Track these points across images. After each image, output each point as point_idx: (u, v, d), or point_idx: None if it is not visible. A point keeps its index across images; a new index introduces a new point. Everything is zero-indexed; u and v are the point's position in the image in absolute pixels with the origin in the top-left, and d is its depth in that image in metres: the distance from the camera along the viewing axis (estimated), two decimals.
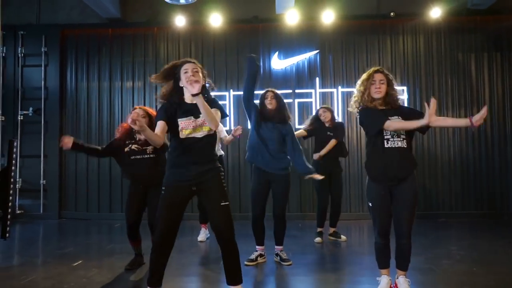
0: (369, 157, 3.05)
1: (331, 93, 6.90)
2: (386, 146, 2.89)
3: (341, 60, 6.96)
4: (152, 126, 3.71)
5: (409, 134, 2.95)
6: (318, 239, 5.00)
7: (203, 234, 5.13)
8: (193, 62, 2.80)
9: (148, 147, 3.75)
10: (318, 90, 6.89)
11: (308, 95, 6.91)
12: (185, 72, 2.72)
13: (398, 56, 6.94)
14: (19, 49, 7.24)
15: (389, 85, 3.00)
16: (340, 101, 6.85)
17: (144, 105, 7.06)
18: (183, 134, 2.74)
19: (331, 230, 5.17)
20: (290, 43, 6.96)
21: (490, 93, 6.85)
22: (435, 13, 6.64)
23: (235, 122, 6.85)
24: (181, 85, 2.78)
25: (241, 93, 5.90)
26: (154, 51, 7.18)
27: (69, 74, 7.29)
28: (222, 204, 2.73)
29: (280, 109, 4.10)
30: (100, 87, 7.22)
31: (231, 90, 7.00)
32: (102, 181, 7.11)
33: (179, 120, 2.75)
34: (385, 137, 2.89)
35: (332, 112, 5.15)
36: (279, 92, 6.62)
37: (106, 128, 7.16)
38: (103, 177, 7.11)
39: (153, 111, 3.90)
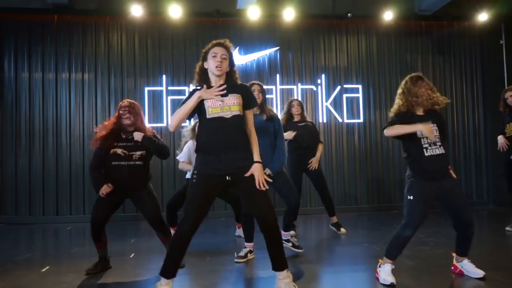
0: (413, 161, 3.10)
1: (291, 89, 6.98)
2: (426, 154, 3.03)
3: (301, 57, 7.07)
4: (138, 123, 3.50)
5: (442, 138, 3.08)
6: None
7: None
8: (223, 46, 2.72)
9: (135, 153, 3.48)
10: (279, 87, 6.94)
11: (269, 91, 6.90)
12: (214, 56, 2.68)
13: (354, 56, 7.21)
14: None
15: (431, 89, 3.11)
16: (300, 97, 6.95)
17: (96, 98, 6.65)
18: (209, 113, 2.65)
19: (333, 220, 5.19)
20: (250, 39, 6.93)
21: None
22: (387, 16, 7.01)
23: None
24: (205, 66, 2.72)
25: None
26: (106, 42, 6.73)
27: (6, 63, 6.57)
28: (262, 190, 2.65)
29: (264, 103, 3.96)
30: (44, 79, 6.61)
31: (190, 85, 6.77)
32: (47, 180, 6.51)
33: (205, 100, 2.65)
34: (424, 145, 3.03)
35: (303, 107, 5.14)
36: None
37: (52, 122, 6.57)
38: (48, 176, 6.52)
39: (139, 106, 3.67)
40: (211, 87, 2.73)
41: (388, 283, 3.02)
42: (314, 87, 7.05)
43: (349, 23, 7.20)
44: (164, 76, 6.77)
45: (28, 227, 6.08)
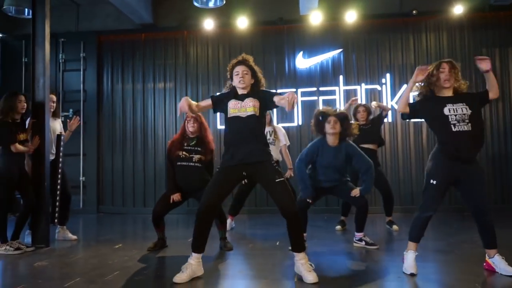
0: (441, 140, 3.19)
1: (355, 90, 7.08)
2: (453, 129, 3.08)
3: (364, 58, 7.14)
4: (202, 132, 4.16)
5: (473, 118, 3.10)
6: (338, 227, 5.24)
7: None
8: (243, 64, 3.20)
9: (194, 156, 4.11)
10: (342, 88, 7.09)
11: (332, 93, 7.12)
12: (236, 75, 3.17)
13: (422, 54, 7.05)
14: (60, 55, 7.78)
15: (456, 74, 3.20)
16: (364, 98, 7.02)
17: (175, 105, 7.49)
18: (230, 113, 3.13)
19: (388, 219, 5.29)
20: (314, 43, 7.20)
21: None
22: (458, 10, 6.74)
23: None
24: (233, 84, 3.22)
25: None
26: (184, 54, 7.57)
27: (105, 77, 7.77)
28: (277, 180, 3.03)
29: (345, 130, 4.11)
30: (134, 89, 7.66)
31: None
32: (137, 178, 7.52)
33: (229, 102, 3.15)
34: (451, 122, 3.09)
35: (369, 112, 5.27)
36: (304, 89, 6.90)
37: (140, 127, 7.59)
38: (138, 175, 7.52)
39: (204, 120, 4.28)
40: (239, 95, 3.17)
41: (408, 272, 3.11)
42: (378, 87, 7.05)
43: (416, 20, 7.06)
44: None
45: (122, 216, 7.11)
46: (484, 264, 3.24)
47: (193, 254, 3.08)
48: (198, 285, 2.95)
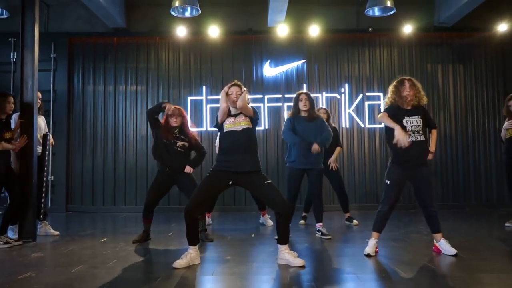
0: (396, 145, 3.70)
1: (317, 98, 7.71)
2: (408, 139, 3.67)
3: (326, 68, 7.82)
4: (184, 123, 4.57)
5: (424, 130, 3.78)
6: (301, 222, 5.81)
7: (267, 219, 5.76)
8: (238, 86, 3.61)
9: (179, 142, 4.52)
10: None
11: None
12: (231, 94, 3.56)
13: (375, 66, 7.84)
14: None
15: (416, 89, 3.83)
16: (325, 105, 7.68)
17: (147, 107, 7.74)
18: (225, 128, 3.57)
19: (346, 215, 5.86)
20: (280, 53, 7.78)
21: (455, 101, 7.82)
22: (407, 29, 7.59)
23: None
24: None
25: None
26: (156, 59, 7.87)
27: (76, 78, 7.90)
28: (266, 182, 3.50)
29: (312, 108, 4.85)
30: (106, 91, 7.86)
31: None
32: (107, 177, 7.71)
33: (224, 122, 3.60)
34: (408, 133, 3.68)
35: (329, 115, 5.87)
36: (270, 96, 7.47)
37: (111, 128, 7.79)
38: (108, 173, 7.71)
39: (185, 113, 4.75)
40: (233, 114, 3.59)
41: (365, 253, 3.76)
42: (337, 96, 7.76)
43: (371, 36, 7.84)
44: (204, 87, 7.79)
45: (91, 215, 7.27)
46: (433, 247, 3.90)
47: (190, 246, 3.48)
48: (194, 267, 3.38)
